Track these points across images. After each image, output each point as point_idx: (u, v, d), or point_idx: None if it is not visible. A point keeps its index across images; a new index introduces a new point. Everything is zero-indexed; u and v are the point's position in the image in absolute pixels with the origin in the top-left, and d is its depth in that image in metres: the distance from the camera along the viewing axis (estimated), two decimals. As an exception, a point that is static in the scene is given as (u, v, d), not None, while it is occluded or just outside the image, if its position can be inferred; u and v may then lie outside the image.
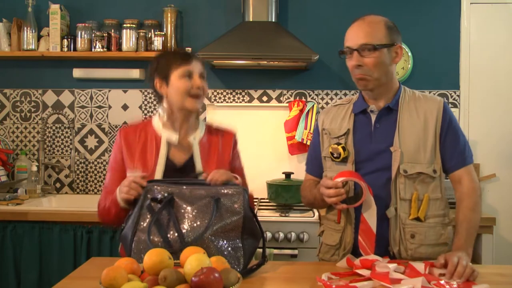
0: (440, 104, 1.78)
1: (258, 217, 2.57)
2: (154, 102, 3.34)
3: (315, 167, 1.95)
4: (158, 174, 1.77)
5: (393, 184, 1.72)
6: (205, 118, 3.26)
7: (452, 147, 1.76)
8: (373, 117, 1.80)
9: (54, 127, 3.37)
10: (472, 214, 1.72)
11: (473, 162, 1.82)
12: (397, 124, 1.76)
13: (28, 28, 3.21)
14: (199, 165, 1.81)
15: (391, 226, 1.71)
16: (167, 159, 1.81)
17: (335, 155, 1.80)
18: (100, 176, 3.34)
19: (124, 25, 3.18)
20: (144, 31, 3.19)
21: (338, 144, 1.80)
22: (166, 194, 1.60)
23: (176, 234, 1.55)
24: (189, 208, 1.58)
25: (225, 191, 1.60)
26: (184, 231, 1.55)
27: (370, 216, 1.67)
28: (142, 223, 1.60)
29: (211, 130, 1.92)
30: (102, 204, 1.83)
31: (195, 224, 1.56)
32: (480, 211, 1.76)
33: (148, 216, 1.59)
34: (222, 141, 1.90)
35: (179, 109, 1.82)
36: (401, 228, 1.71)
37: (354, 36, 1.73)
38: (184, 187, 1.62)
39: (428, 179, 1.73)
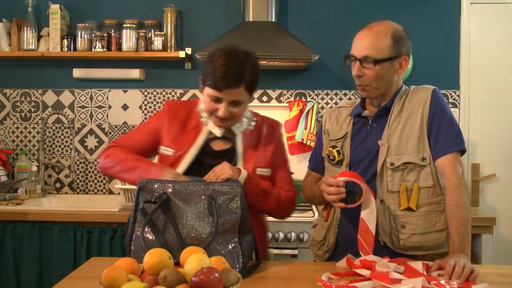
0: (429, 92, 1.77)
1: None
2: (154, 102, 3.34)
3: (317, 164, 1.97)
4: (188, 159, 1.74)
5: (379, 177, 1.73)
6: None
7: (436, 135, 1.73)
8: (370, 118, 1.82)
9: (54, 127, 3.37)
10: (456, 210, 1.67)
11: (460, 151, 1.73)
12: (388, 121, 1.77)
13: (28, 28, 3.21)
14: (240, 158, 1.77)
15: (380, 217, 1.71)
16: (207, 145, 1.78)
17: (330, 158, 1.83)
18: (100, 176, 3.34)
19: (124, 25, 3.18)
20: (144, 31, 3.19)
21: (334, 147, 1.83)
22: (160, 192, 1.57)
23: (174, 235, 1.53)
24: (185, 207, 1.56)
25: (222, 189, 1.56)
26: (183, 233, 1.54)
27: (369, 218, 1.67)
28: (139, 224, 1.58)
29: (257, 121, 1.86)
30: (117, 156, 1.75)
31: (192, 225, 1.54)
32: (467, 205, 1.69)
33: (143, 218, 1.57)
34: (266, 134, 1.85)
35: None
36: (391, 219, 1.72)
37: (359, 45, 1.74)
38: (177, 184, 1.58)
39: (418, 168, 1.72)
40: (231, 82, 1.65)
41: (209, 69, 1.68)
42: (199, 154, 1.76)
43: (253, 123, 1.84)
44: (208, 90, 1.69)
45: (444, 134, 1.72)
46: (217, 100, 1.69)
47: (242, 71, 1.67)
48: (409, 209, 1.72)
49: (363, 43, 1.72)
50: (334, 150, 1.81)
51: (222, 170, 1.65)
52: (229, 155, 1.78)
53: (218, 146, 1.80)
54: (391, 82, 1.78)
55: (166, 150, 1.79)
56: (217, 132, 1.78)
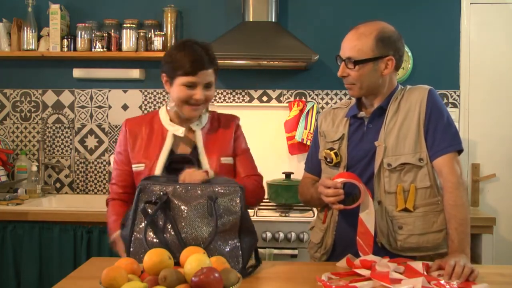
0: (425, 92, 1.77)
1: (258, 217, 2.57)
2: (154, 102, 3.34)
3: (313, 166, 1.96)
4: (159, 167, 1.78)
5: (376, 178, 1.74)
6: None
7: (433, 135, 1.73)
8: (366, 119, 1.82)
9: (54, 127, 3.37)
10: (455, 209, 1.67)
11: (458, 151, 1.74)
12: (384, 121, 1.77)
13: (28, 28, 3.21)
14: (202, 152, 1.82)
15: (377, 218, 1.71)
16: (173, 152, 1.82)
17: (328, 160, 1.83)
18: (100, 176, 3.34)
19: (124, 25, 3.18)
20: (144, 31, 3.19)
21: (331, 149, 1.82)
22: (161, 193, 1.58)
23: (174, 236, 1.54)
24: (185, 208, 1.57)
25: (222, 190, 1.58)
26: (183, 234, 1.54)
27: (368, 218, 1.67)
28: (138, 225, 1.58)
29: (214, 118, 1.93)
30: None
31: (192, 225, 1.55)
32: (466, 205, 1.69)
33: (142, 220, 1.57)
34: (223, 126, 1.91)
35: (179, 112, 1.83)
36: (388, 220, 1.72)
37: (344, 46, 1.77)
38: (178, 186, 1.60)
39: (415, 168, 1.72)
40: (204, 64, 1.75)
41: (177, 60, 1.75)
42: (171, 161, 1.80)
43: (205, 121, 1.88)
44: (181, 80, 1.75)
45: (441, 134, 1.72)
46: (192, 85, 1.75)
47: (208, 54, 1.78)
48: (406, 210, 1.72)
49: (347, 44, 1.76)
50: (332, 153, 1.81)
51: (192, 176, 1.66)
52: (196, 156, 1.82)
53: (183, 150, 1.84)
54: (376, 83, 1.77)
55: (138, 167, 1.83)
56: (180, 132, 1.82)
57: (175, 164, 1.78)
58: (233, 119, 1.96)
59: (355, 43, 1.73)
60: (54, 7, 3.20)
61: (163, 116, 1.88)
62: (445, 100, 3.24)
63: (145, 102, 3.34)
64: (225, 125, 1.92)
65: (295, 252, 2.59)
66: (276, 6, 3.14)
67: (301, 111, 3.21)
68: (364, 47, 1.72)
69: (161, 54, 3.10)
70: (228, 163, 1.85)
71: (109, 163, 3.27)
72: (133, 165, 1.84)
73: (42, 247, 2.70)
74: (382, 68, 1.76)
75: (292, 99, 3.31)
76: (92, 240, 2.69)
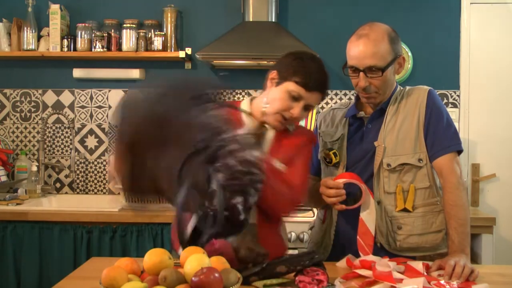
0: (425, 93, 1.77)
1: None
2: (154, 102, 3.34)
3: (313, 167, 1.94)
4: None
5: (376, 178, 1.74)
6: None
7: (432, 135, 1.73)
8: (366, 120, 1.82)
9: (54, 127, 3.37)
10: (455, 210, 1.66)
11: (458, 151, 1.73)
12: (383, 121, 1.77)
13: (28, 28, 3.21)
14: (267, 144, 1.68)
15: (376, 219, 1.71)
16: None
17: (327, 160, 1.83)
18: (100, 176, 3.34)
19: (124, 25, 3.18)
20: (144, 31, 3.19)
21: (330, 149, 1.82)
22: None
23: None
24: None
25: None
26: None
27: (369, 219, 1.67)
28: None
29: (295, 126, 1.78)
30: None
31: None
32: (465, 205, 1.68)
33: None
34: (293, 138, 1.73)
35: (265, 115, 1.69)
36: (387, 220, 1.73)
37: (360, 55, 1.69)
38: None
39: (414, 169, 1.72)
40: (323, 88, 1.67)
41: (299, 67, 1.64)
42: None
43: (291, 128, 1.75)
44: (292, 86, 1.63)
45: (441, 135, 1.72)
46: (297, 99, 1.64)
47: (328, 80, 1.68)
48: (405, 210, 1.72)
49: (364, 53, 1.68)
50: (331, 153, 1.81)
51: None
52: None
53: None
54: (393, 84, 1.79)
55: None
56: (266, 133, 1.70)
57: None
58: (306, 133, 1.82)
59: (374, 50, 1.67)
60: (54, 7, 3.20)
61: (246, 107, 1.73)
62: (445, 100, 3.24)
63: (145, 102, 3.34)
64: (294, 138, 1.74)
65: (295, 252, 2.59)
66: (276, 6, 3.14)
67: (301, 111, 3.21)
68: (384, 52, 1.69)
69: (161, 54, 3.15)
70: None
71: (109, 163, 3.26)
72: None
73: (42, 247, 2.70)
74: (396, 68, 1.76)
75: (292, 99, 3.30)
76: (92, 240, 2.69)
